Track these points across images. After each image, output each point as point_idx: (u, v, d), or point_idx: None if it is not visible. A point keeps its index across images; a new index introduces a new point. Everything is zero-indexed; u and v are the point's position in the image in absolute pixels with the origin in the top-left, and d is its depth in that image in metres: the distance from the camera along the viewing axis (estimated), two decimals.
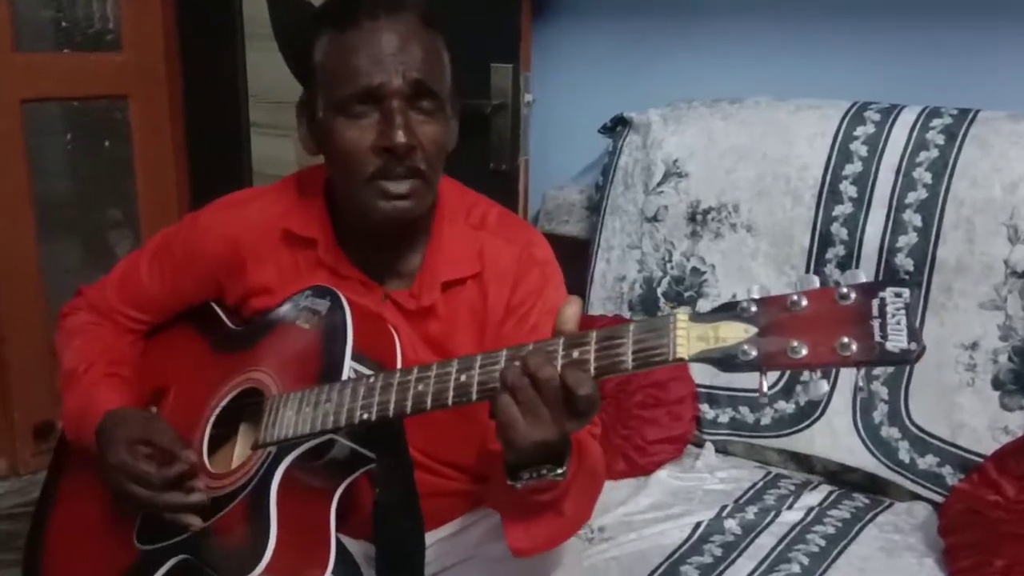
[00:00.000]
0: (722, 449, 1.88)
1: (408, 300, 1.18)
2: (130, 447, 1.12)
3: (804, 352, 0.75)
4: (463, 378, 0.92)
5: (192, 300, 1.30)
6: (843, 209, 1.76)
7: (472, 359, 0.93)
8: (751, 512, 1.63)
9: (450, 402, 0.92)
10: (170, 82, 2.51)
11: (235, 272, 1.23)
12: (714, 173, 1.90)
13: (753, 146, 1.86)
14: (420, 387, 0.94)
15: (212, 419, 1.16)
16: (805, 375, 0.78)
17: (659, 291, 1.95)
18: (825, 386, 0.76)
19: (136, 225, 2.57)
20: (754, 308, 0.78)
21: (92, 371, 1.25)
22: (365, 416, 0.98)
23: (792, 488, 1.73)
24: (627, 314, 1.98)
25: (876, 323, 0.73)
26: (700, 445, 1.88)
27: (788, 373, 1.72)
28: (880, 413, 1.71)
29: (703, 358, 0.79)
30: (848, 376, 1.69)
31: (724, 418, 1.87)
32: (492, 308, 1.18)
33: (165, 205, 2.55)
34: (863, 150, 1.75)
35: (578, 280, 1.99)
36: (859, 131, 1.77)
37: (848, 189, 1.76)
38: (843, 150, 1.77)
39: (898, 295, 0.73)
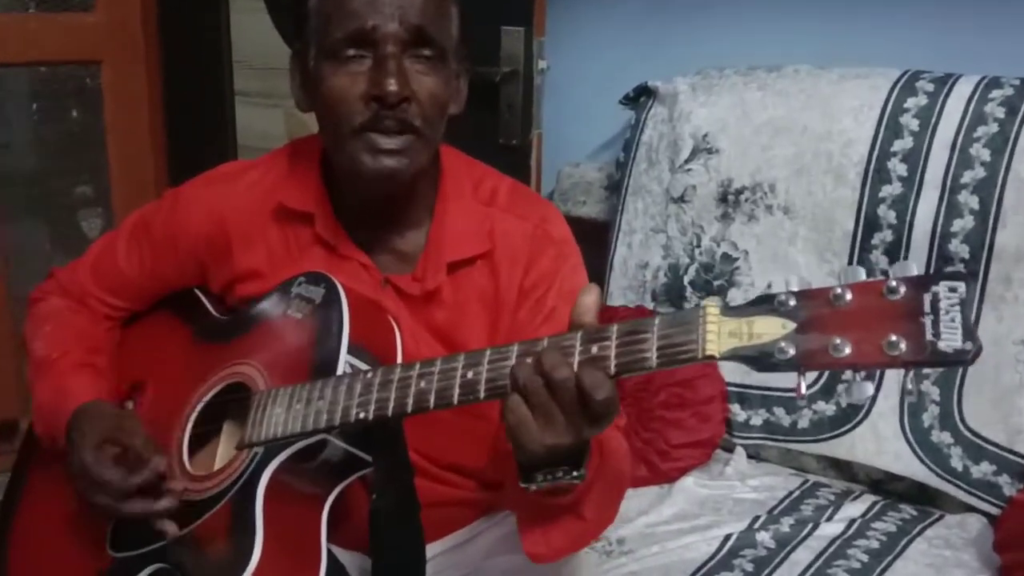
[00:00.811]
0: (754, 454, 1.88)
1: (411, 285, 1.18)
2: (97, 448, 1.12)
3: (847, 351, 0.75)
4: (470, 375, 0.92)
5: (174, 285, 1.30)
6: (891, 190, 1.75)
7: (480, 354, 0.93)
8: (786, 524, 1.63)
9: (455, 401, 0.93)
10: (147, 45, 2.50)
11: (221, 255, 1.23)
12: (748, 149, 1.89)
13: (792, 119, 1.85)
14: (422, 384, 0.95)
15: (194, 416, 1.17)
16: (847, 375, 0.78)
17: (686, 280, 1.95)
18: (870, 388, 0.76)
19: (108, 204, 2.57)
20: (793, 302, 0.78)
21: (65, 360, 1.25)
22: (362, 415, 0.98)
23: (832, 498, 1.73)
24: (650, 305, 1.98)
25: (928, 320, 0.73)
26: (730, 450, 1.88)
27: (829, 372, 1.73)
28: (930, 416, 1.70)
29: (735, 356, 0.79)
30: (895, 376, 1.66)
31: (757, 420, 1.86)
32: (504, 292, 1.17)
33: (140, 182, 2.54)
34: (914, 124, 1.75)
35: (596, 267, 1.99)
36: (910, 103, 1.76)
37: (897, 167, 1.75)
38: (892, 124, 1.76)
39: (952, 289, 0.73)
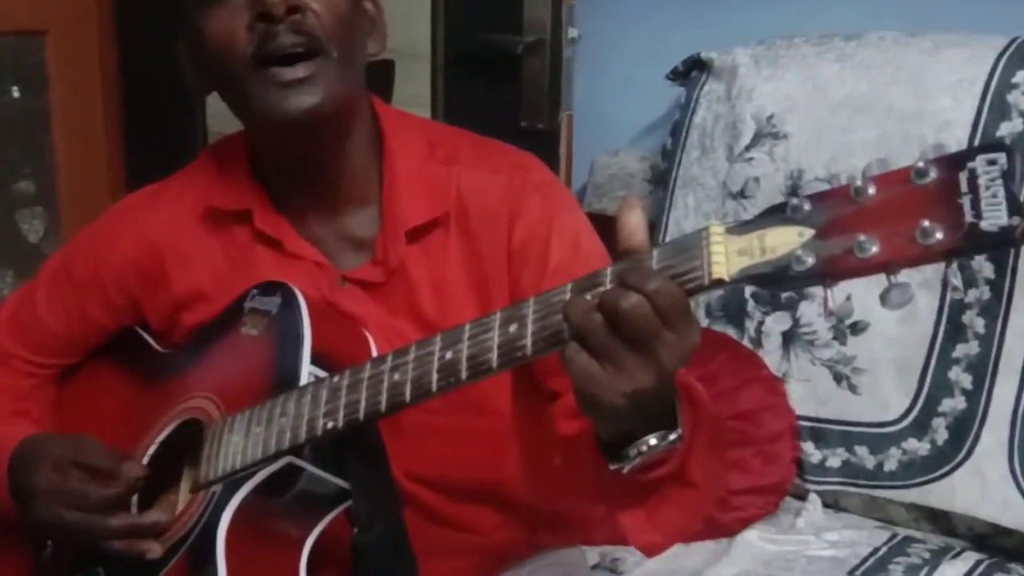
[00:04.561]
0: (832, 503, 1.89)
1: (372, 271, 1.21)
2: (59, 468, 1.16)
3: (875, 248, 0.76)
4: (448, 355, 0.95)
5: (108, 328, 1.35)
6: None
7: (459, 330, 0.96)
8: None
9: (435, 388, 0.96)
10: (99, 14, 2.55)
11: (155, 283, 1.28)
12: (823, 133, 1.91)
13: (875, 97, 1.87)
14: (396, 376, 0.98)
15: (144, 464, 1.21)
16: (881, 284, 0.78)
17: (747, 291, 1.96)
18: (911, 290, 0.78)
19: (53, 201, 2.59)
20: (807, 206, 0.81)
21: None
22: (330, 425, 1.01)
23: (926, 556, 1.72)
24: (704, 321, 1.99)
25: (966, 200, 0.74)
26: (802, 497, 1.88)
27: (923, 399, 1.75)
28: None
29: (748, 276, 0.82)
30: (1003, 404, 1.68)
31: (834, 461, 1.86)
32: (488, 259, 1.20)
33: (92, 175, 2.57)
34: None
35: None
36: (1019, 77, 1.78)
37: None
38: (997, 103, 1.77)
39: (991, 162, 0.74)
